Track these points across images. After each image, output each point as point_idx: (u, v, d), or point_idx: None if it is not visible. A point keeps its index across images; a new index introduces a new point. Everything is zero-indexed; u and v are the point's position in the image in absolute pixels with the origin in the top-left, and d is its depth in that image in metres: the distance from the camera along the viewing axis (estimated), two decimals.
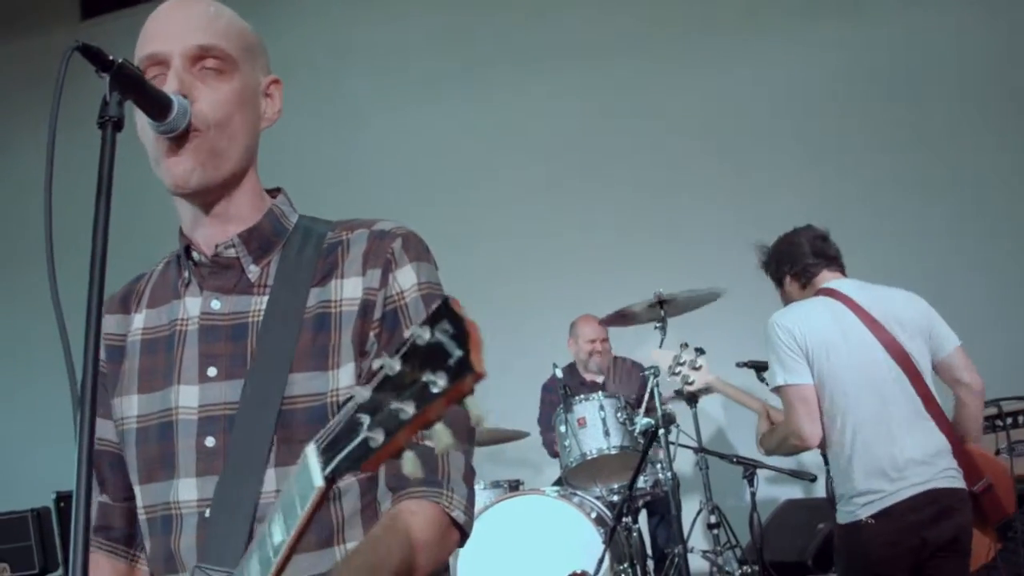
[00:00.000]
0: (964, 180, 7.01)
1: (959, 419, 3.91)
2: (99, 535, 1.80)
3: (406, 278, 1.68)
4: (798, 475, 5.23)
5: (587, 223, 7.69)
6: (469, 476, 1.66)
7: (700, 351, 4.65)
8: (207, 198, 1.70)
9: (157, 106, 1.55)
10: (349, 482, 1.64)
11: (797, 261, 4.04)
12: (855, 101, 7.33)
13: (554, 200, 7.80)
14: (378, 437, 1.07)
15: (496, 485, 5.53)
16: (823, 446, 3.93)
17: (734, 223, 7.32)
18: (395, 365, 1.06)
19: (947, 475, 3.69)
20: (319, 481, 1.17)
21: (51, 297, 1.36)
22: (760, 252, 4.24)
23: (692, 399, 5.84)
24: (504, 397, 6.91)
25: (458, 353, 1.01)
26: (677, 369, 4.61)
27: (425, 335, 1.04)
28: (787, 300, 4.13)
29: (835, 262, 4.02)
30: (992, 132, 7.03)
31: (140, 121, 1.65)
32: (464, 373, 1.01)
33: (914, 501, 3.63)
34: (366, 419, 1.09)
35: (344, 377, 1.64)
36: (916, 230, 6.71)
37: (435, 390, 1.02)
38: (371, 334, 1.66)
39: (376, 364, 1.10)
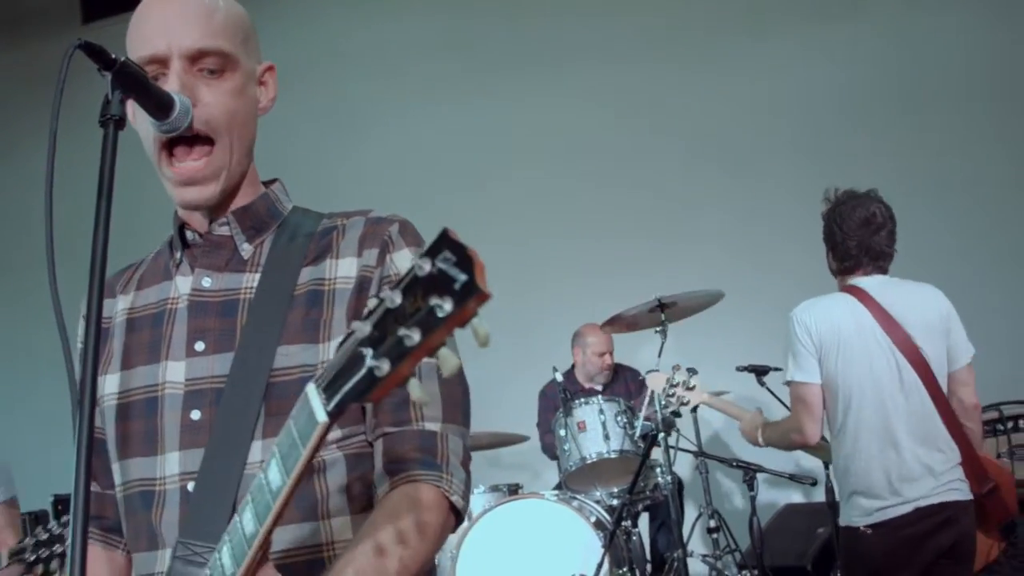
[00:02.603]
0: (969, 183, 7.00)
1: None
2: (93, 524, 1.78)
3: (403, 260, 1.69)
4: (798, 479, 5.23)
5: (588, 227, 7.68)
6: (467, 460, 1.67)
7: (692, 371, 4.71)
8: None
9: (159, 105, 1.55)
10: (335, 456, 1.64)
11: (838, 247, 3.97)
12: (860, 105, 7.32)
13: (554, 204, 7.79)
14: (384, 366, 1.08)
15: (495, 489, 5.51)
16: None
17: (736, 227, 7.33)
18: (396, 298, 1.08)
19: (952, 487, 3.68)
20: (322, 416, 1.18)
21: (51, 298, 1.36)
22: (824, 202, 4.10)
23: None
24: (503, 401, 6.92)
25: (463, 277, 1.03)
26: (671, 391, 4.67)
27: (426, 266, 1.05)
28: (829, 265, 4.08)
29: (876, 262, 3.92)
30: (998, 135, 7.02)
31: (142, 125, 1.65)
32: (470, 294, 1.03)
33: (916, 514, 3.63)
34: (368, 351, 1.10)
35: (335, 349, 1.64)
36: (920, 233, 6.67)
37: (441, 314, 1.03)
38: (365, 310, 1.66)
39: (373, 301, 1.12)
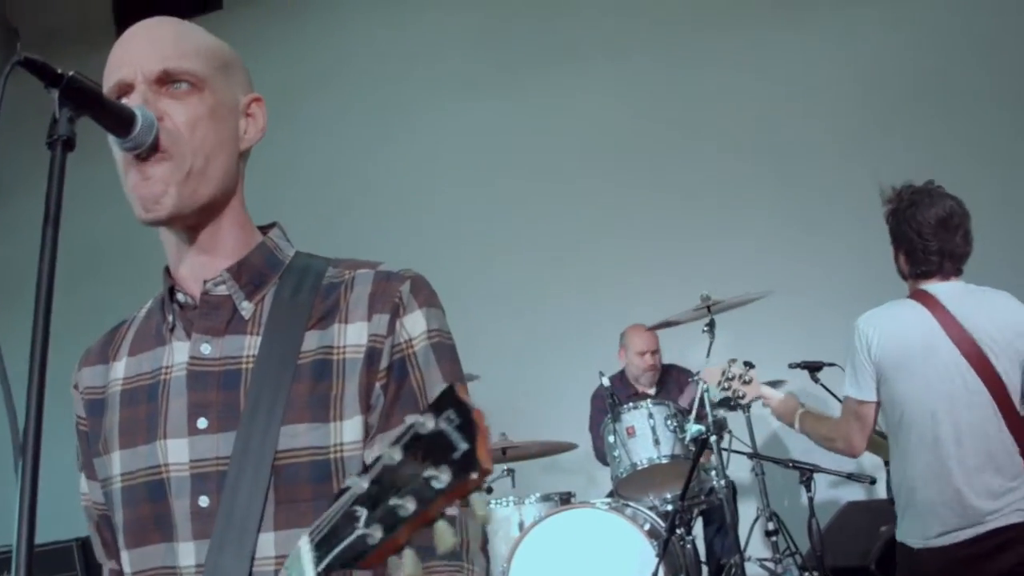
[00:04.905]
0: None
1: None
2: None
3: (415, 325, 1.57)
4: (856, 478, 5.09)
5: (629, 229, 7.55)
6: (485, 544, 1.58)
7: (749, 365, 4.43)
8: (186, 225, 1.59)
9: (118, 121, 1.43)
10: None
11: (915, 252, 3.66)
12: (892, 98, 7.12)
13: (595, 206, 7.68)
14: (376, 534, 0.99)
15: (547, 498, 5.42)
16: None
17: (777, 224, 7.19)
18: (395, 455, 0.98)
19: (1017, 508, 3.45)
20: None
21: None
22: (884, 198, 3.80)
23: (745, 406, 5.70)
24: (553, 408, 6.82)
25: (463, 447, 0.93)
26: (727, 384, 4.43)
27: (429, 424, 0.95)
28: (897, 265, 3.79)
29: (954, 263, 3.65)
30: None
31: (113, 147, 1.54)
32: (470, 469, 0.92)
33: (974, 539, 3.44)
34: (363, 513, 1.01)
35: (348, 431, 1.52)
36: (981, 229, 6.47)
37: (437, 486, 0.94)
38: (377, 385, 1.54)
39: (372, 454, 1.05)
